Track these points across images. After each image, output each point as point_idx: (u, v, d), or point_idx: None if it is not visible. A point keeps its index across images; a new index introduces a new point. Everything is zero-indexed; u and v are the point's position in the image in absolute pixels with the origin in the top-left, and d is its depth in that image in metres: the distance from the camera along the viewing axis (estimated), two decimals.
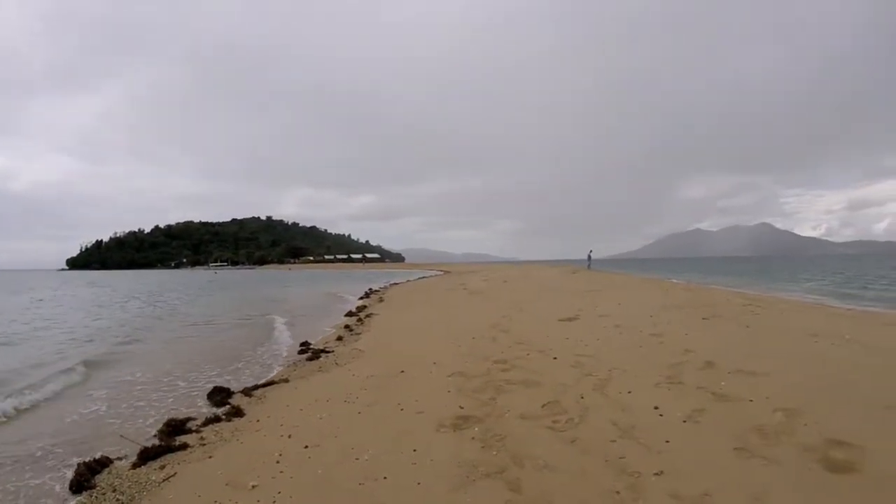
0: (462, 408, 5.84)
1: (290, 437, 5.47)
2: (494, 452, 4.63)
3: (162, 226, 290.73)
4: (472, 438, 4.99)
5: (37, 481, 5.16)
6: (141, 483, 4.74)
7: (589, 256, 55.04)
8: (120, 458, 5.50)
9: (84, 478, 4.91)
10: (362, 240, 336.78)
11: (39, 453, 5.89)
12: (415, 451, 4.78)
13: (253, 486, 4.34)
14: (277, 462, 4.80)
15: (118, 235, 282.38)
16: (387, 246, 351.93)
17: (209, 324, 18.38)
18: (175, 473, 4.84)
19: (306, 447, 5.11)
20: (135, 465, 5.21)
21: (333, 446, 5.08)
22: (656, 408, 5.49)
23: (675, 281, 31.12)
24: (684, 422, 5.11)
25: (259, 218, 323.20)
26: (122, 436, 6.16)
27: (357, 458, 4.72)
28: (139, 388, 8.87)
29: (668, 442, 4.64)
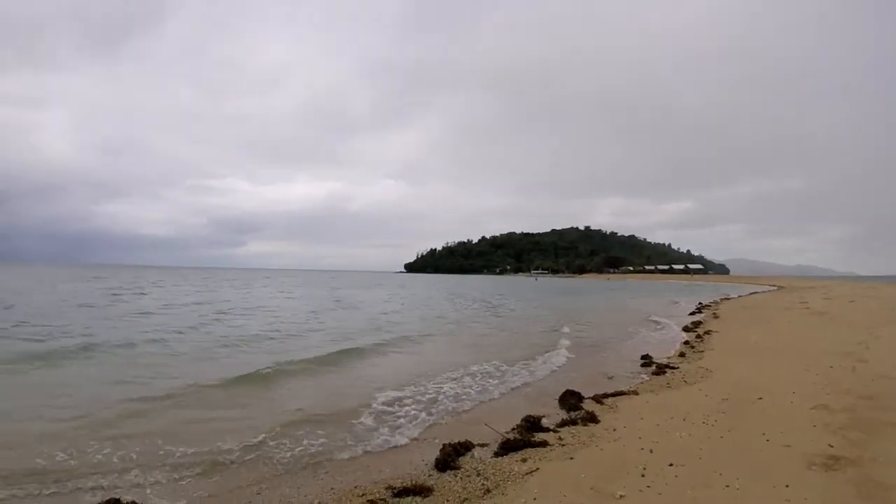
0: (831, 446, 5.21)
1: (651, 451, 5.25)
2: None
3: (487, 236, 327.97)
4: (847, 482, 4.41)
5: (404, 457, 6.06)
6: (504, 472, 5.09)
7: None
8: (482, 445, 6.06)
9: (450, 458, 5.53)
10: (682, 249, 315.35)
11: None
12: (787, 486, 4.31)
13: (620, 496, 4.22)
14: (643, 476, 4.62)
15: (449, 245, 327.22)
16: (708, 256, 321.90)
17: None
18: (538, 469, 5.06)
19: (671, 465, 4.83)
20: (497, 454, 5.68)
21: (699, 468, 4.75)
22: None
23: None
24: None
25: (577, 228, 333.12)
26: (486, 424, 6.82)
27: (727, 486, 4.36)
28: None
29: None
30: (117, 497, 4.63)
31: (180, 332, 15.70)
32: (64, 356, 11.31)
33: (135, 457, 5.81)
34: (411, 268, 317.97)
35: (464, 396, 8.68)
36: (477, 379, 10.01)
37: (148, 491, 5.04)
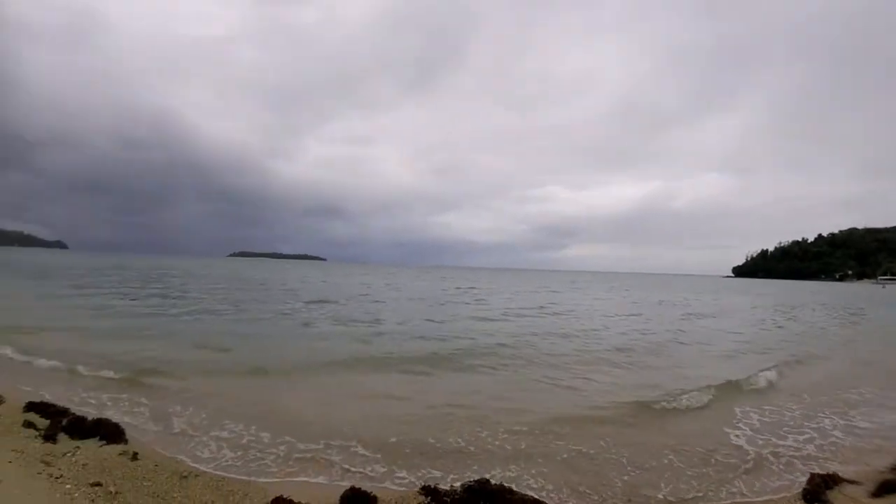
0: None
1: None
2: None
3: (825, 234, 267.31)
4: None
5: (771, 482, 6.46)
6: None
7: None
8: (851, 482, 6.14)
9: (818, 490, 5.78)
10: None
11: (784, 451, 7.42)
12: None
13: None
14: None
15: (782, 245, 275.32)
16: None
17: None
18: None
19: None
20: (872, 494, 5.71)
21: None
22: None
23: None
24: None
25: None
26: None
27: None
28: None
29: None
30: None
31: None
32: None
33: None
34: (740, 272, 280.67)
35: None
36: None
37: None
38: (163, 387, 9.21)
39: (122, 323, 16.95)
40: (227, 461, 6.27)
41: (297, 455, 6.53)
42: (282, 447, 6.72)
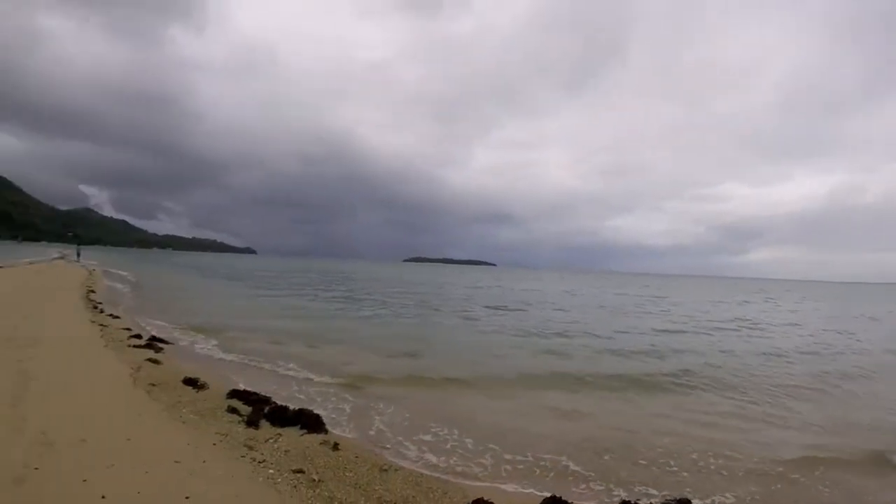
0: None
1: None
2: None
3: None
4: None
5: None
6: None
7: None
8: None
9: None
10: None
11: None
12: None
13: None
14: None
15: None
16: None
17: None
18: None
19: None
20: None
21: None
22: None
23: None
24: None
25: None
26: None
27: None
28: None
29: None
30: None
31: None
32: None
33: None
34: None
35: None
36: None
37: None
38: (362, 388, 9.04)
39: (314, 324, 17.66)
40: (427, 461, 6.01)
41: (505, 465, 6.07)
42: (487, 455, 6.28)
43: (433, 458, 6.04)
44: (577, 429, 7.51)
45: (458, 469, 5.80)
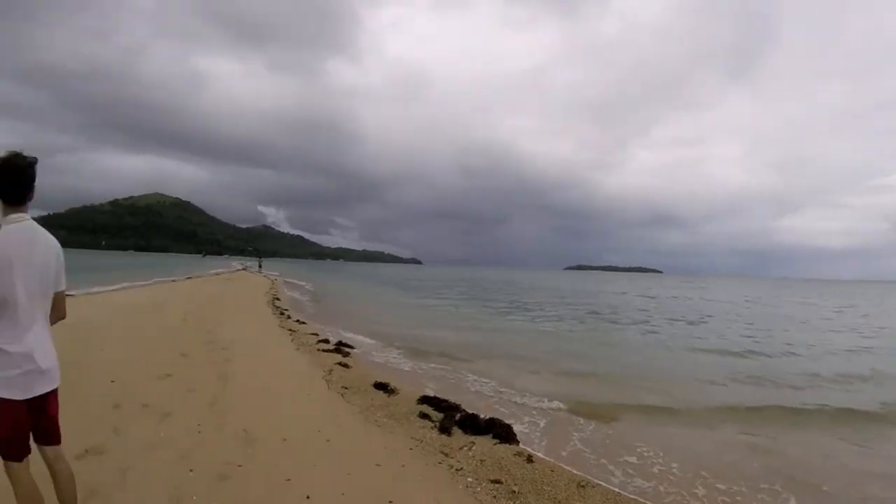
0: None
1: None
2: None
3: None
4: None
5: None
6: None
7: None
8: None
9: None
10: None
11: None
12: None
13: None
14: None
15: None
16: None
17: None
18: None
19: None
20: None
21: None
22: None
23: None
24: None
25: None
26: None
27: None
28: None
29: None
30: None
31: None
32: None
33: None
34: None
35: None
36: None
37: None
38: (554, 406, 8.45)
39: (490, 336, 17.29)
40: (634, 485, 5.51)
41: (722, 497, 5.38)
42: (698, 483, 5.62)
43: (641, 482, 5.54)
44: (793, 465, 6.50)
45: (669, 497, 5.24)
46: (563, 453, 6.26)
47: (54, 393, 2.73)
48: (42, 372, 2.60)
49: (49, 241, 2.66)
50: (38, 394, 2.60)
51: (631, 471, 5.81)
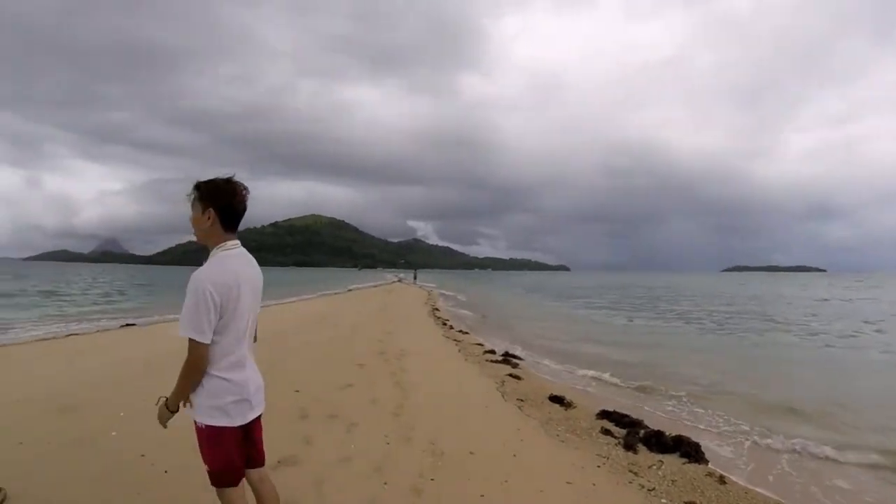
0: None
1: None
2: None
3: None
4: None
5: None
6: None
7: None
8: None
9: None
10: None
11: None
12: None
13: None
14: None
15: None
16: None
17: None
18: None
19: None
20: None
21: None
22: None
23: None
24: None
25: None
26: None
27: None
28: None
29: None
30: None
31: None
32: None
33: None
34: None
35: None
36: None
37: None
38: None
39: (657, 352, 15.53)
40: None
41: None
42: None
43: None
44: None
45: None
46: (769, 474, 5.74)
47: (258, 416, 2.75)
48: (254, 397, 2.62)
49: (257, 267, 2.65)
50: (250, 420, 2.61)
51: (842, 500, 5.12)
